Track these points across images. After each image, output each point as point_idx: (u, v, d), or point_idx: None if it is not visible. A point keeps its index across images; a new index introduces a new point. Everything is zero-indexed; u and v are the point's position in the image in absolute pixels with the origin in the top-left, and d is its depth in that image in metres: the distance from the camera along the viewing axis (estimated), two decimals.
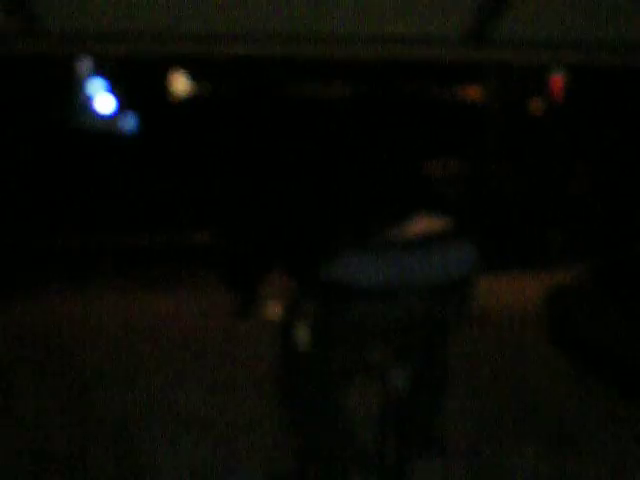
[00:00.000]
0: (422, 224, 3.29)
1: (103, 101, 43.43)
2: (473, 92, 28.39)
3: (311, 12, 2.79)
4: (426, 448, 3.77)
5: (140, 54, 3.88)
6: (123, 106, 42.74)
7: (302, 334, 3.23)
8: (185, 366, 8.60)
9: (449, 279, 3.31)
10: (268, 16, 3.24)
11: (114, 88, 44.01)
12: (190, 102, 44.13)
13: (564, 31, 3.12)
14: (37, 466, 5.67)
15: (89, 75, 41.35)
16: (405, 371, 3.48)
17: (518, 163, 19.79)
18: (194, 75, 49.52)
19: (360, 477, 3.67)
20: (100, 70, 42.64)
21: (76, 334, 10.10)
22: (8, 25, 3.28)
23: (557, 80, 31.02)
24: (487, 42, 2.90)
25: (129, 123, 42.16)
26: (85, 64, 40.53)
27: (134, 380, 8.01)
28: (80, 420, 6.75)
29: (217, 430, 6.46)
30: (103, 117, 42.61)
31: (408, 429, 3.67)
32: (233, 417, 6.80)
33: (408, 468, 3.70)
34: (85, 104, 41.70)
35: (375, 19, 2.80)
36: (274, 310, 3.45)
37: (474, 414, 6.98)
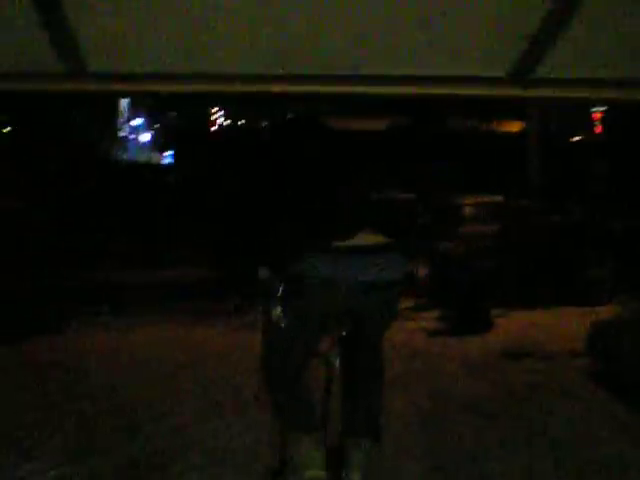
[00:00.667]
0: (363, 238, 4.37)
1: (142, 136, 44.24)
2: (516, 127, 28.43)
3: (363, 55, 2.88)
4: (365, 430, 4.58)
5: (178, 93, 4.08)
6: (160, 140, 43.46)
7: (277, 312, 4.32)
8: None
9: (378, 280, 4.35)
10: (311, 57, 3.32)
11: (152, 124, 44.87)
12: (227, 136, 44.79)
13: (608, 69, 3.14)
14: None
15: (130, 112, 42.26)
16: (343, 357, 4.48)
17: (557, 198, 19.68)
18: (231, 112, 49.84)
19: (309, 446, 4.45)
20: (140, 108, 43.58)
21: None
22: (58, 67, 3.40)
23: (597, 115, 31.11)
24: (532, 82, 2.93)
25: (165, 156, 42.92)
26: (127, 103, 41.47)
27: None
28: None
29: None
30: (142, 150, 43.44)
31: (348, 410, 4.62)
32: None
33: (350, 449, 4.51)
34: (126, 138, 42.58)
35: (427, 61, 2.89)
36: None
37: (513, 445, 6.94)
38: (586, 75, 2.94)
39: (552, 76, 2.90)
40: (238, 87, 3.54)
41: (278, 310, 4.28)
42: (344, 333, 4.43)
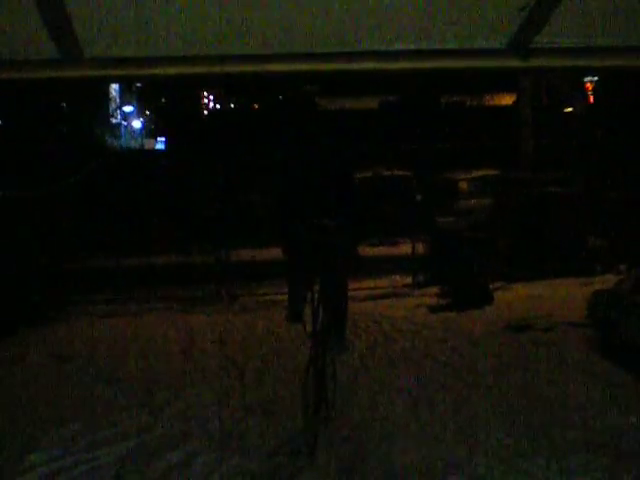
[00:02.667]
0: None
1: (134, 122, 44.10)
2: (508, 100, 28.36)
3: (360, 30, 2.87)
4: (336, 344, 7.07)
5: (171, 77, 4.07)
6: (151, 126, 43.34)
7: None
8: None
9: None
10: (304, 36, 3.31)
11: (143, 111, 44.73)
12: (217, 118, 44.60)
13: (605, 37, 3.14)
14: None
15: (121, 98, 42.07)
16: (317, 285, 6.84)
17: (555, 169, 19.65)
18: (223, 93, 49.58)
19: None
20: (131, 94, 43.41)
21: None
22: (54, 52, 3.39)
23: (589, 85, 31.03)
24: (531, 52, 2.93)
25: (157, 141, 42.81)
26: (117, 89, 41.25)
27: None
28: None
29: None
30: (134, 136, 43.34)
31: (325, 325, 6.80)
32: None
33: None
34: (117, 124, 42.42)
35: (425, 34, 2.88)
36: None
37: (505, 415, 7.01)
38: (585, 44, 2.94)
39: (550, 46, 2.90)
40: (235, 67, 3.53)
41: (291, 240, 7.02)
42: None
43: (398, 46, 2.94)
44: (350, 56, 3.13)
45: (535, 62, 3.02)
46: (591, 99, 30.15)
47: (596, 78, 29.92)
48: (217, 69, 3.51)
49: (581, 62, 3.09)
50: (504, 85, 27.20)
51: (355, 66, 3.22)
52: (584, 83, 32.41)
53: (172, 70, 3.69)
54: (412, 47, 2.93)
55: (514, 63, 3.01)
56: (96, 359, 9.85)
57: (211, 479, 6.09)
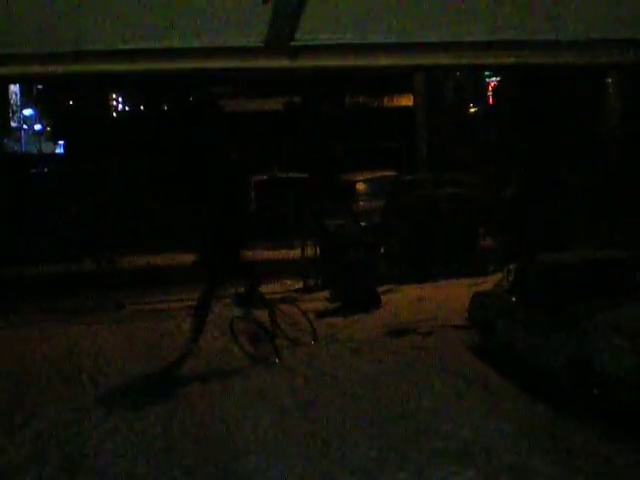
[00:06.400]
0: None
1: (35, 126, 42.88)
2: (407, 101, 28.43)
3: None
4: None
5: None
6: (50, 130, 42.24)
7: None
8: None
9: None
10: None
11: (43, 113, 43.55)
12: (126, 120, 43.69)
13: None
14: None
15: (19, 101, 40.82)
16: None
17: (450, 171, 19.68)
18: (125, 95, 48.67)
19: None
20: (30, 96, 42.18)
21: None
22: None
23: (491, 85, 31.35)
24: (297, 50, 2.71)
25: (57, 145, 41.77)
26: (17, 92, 40.02)
27: None
28: None
29: None
30: (35, 141, 42.15)
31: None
32: None
33: None
34: (17, 128, 41.14)
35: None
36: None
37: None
38: (353, 39, 2.73)
39: (317, 43, 2.67)
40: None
41: None
42: None
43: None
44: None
45: (302, 62, 2.80)
46: (490, 100, 30.37)
47: (499, 78, 30.14)
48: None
49: (348, 61, 2.89)
50: (405, 86, 27.22)
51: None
52: (487, 83, 32.65)
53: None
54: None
55: (279, 62, 2.79)
56: None
57: None
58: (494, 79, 31.68)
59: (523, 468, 6.08)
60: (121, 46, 2.63)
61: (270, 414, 7.58)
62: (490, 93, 30.48)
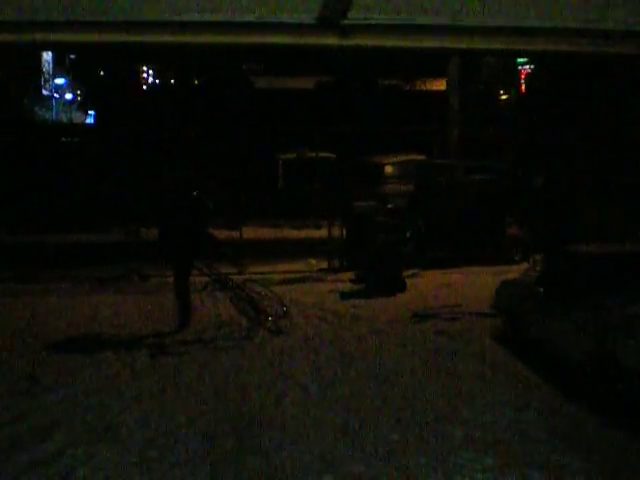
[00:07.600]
0: None
1: (67, 95, 42.99)
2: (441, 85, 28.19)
3: None
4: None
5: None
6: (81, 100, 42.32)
7: None
8: None
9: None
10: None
11: (75, 83, 43.63)
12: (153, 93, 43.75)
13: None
14: None
15: (52, 70, 40.88)
16: None
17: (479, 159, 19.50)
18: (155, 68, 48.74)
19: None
20: (62, 65, 42.22)
21: None
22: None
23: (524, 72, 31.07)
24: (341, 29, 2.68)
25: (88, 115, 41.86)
26: (50, 61, 40.09)
27: None
28: None
29: None
30: (66, 110, 42.23)
31: None
32: None
33: None
34: (48, 96, 41.25)
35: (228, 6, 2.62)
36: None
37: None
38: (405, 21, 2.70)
39: (367, 22, 2.65)
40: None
41: None
42: None
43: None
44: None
45: (352, 40, 2.77)
46: (523, 87, 30.13)
47: (532, 66, 29.85)
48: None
49: (400, 42, 2.85)
50: (438, 70, 27.00)
51: None
52: (519, 71, 32.37)
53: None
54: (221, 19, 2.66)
55: (330, 41, 2.76)
56: None
57: None
58: (527, 67, 31.41)
59: (542, 458, 6.06)
60: (173, 17, 2.61)
61: (292, 392, 7.60)
62: (522, 81, 30.26)
